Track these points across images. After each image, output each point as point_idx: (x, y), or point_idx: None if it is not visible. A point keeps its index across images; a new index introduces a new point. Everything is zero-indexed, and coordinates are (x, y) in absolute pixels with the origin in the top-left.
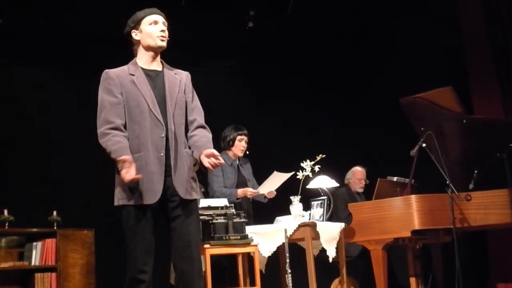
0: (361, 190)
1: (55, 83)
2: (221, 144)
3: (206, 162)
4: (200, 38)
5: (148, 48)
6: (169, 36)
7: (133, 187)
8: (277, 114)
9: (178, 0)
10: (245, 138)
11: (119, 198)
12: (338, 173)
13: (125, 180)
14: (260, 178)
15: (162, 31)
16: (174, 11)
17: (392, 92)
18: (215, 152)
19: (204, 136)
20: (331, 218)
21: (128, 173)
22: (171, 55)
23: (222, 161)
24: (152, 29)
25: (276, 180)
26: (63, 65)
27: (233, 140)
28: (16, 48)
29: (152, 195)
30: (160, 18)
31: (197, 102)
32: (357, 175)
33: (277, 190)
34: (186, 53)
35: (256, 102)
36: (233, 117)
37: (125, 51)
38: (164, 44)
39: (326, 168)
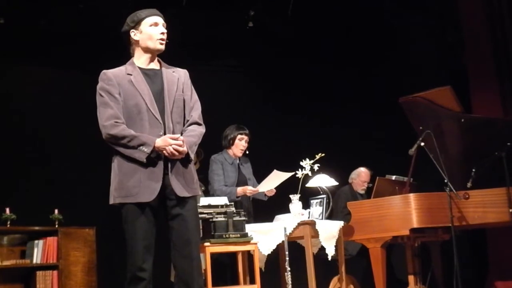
0: (362, 192)
1: (55, 82)
2: (222, 142)
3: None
4: (201, 38)
5: (146, 50)
6: (168, 38)
7: (130, 185)
8: (277, 113)
9: (179, 0)
10: (245, 137)
11: (115, 196)
12: (338, 171)
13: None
14: (261, 176)
15: (162, 33)
16: (175, 11)
17: (392, 90)
18: (176, 136)
19: (191, 130)
20: (330, 217)
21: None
22: (171, 54)
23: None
24: (153, 31)
25: (275, 178)
26: (64, 64)
27: (233, 139)
28: (16, 48)
29: (150, 193)
30: (160, 20)
31: (195, 100)
32: (362, 177)
33: (276, 188)
34: (186, 53)
35: (256, 101)
36: (233, 116)
37: (124, 51)
38: (163, 47)
39: (326, 166)
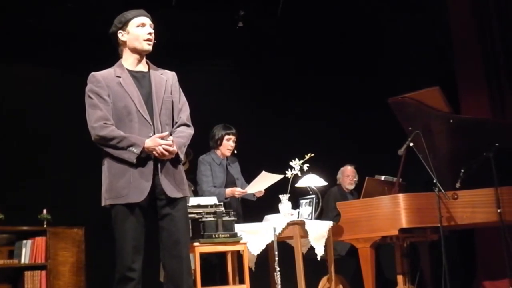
0: (351, 187)
1: (45, 81)
2: (210, 143)
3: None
4: (190, 38)
5: (133, 51)
6: (156, 38)
7: (120, 186)
8: (267, 112)
9: (168, 1)
10: (233, 137)
11: (106, 198)
12: (327, 172)
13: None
14: (250, 176)
15: (149, 33)
16: (164, 11)
17: (382, 91)
18: (164, 135)
19: (180, 132)
20: (320, 217)
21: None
22: (160, 54)
23: (169, 142)
24: (140, 31)
25: (264, 180)
26: (53, 64)
27: (221, 139)
28: (4, 46)
29: (139, 193)
30: (147, 21)
31: (184, 101)
32: (346, 172)
33: (265, 188)
34: (175, 53)
35: (246, 101)
36: (223, 115)
37: (113, 51)
38: (150, 48)
39: (315, 166)
